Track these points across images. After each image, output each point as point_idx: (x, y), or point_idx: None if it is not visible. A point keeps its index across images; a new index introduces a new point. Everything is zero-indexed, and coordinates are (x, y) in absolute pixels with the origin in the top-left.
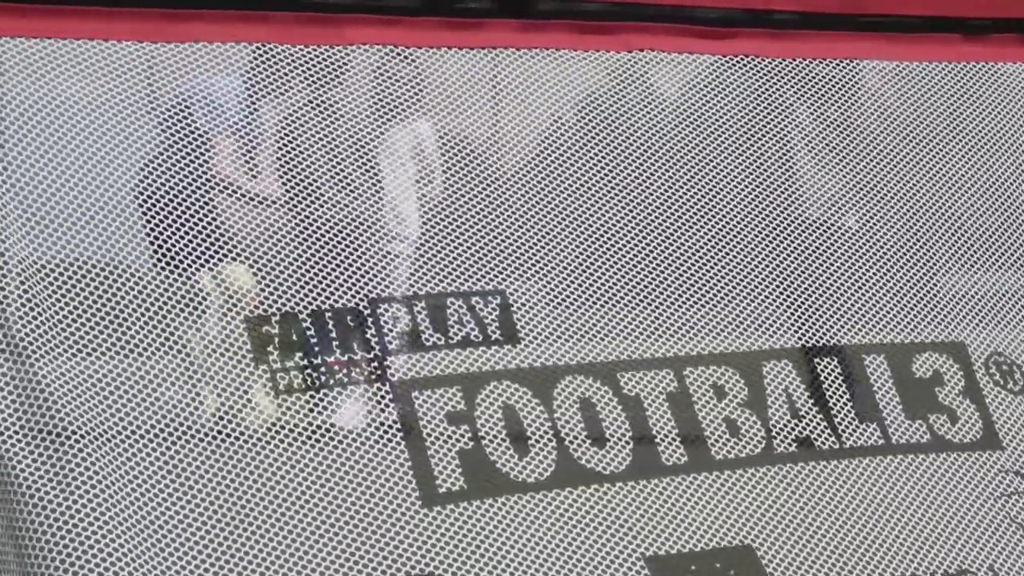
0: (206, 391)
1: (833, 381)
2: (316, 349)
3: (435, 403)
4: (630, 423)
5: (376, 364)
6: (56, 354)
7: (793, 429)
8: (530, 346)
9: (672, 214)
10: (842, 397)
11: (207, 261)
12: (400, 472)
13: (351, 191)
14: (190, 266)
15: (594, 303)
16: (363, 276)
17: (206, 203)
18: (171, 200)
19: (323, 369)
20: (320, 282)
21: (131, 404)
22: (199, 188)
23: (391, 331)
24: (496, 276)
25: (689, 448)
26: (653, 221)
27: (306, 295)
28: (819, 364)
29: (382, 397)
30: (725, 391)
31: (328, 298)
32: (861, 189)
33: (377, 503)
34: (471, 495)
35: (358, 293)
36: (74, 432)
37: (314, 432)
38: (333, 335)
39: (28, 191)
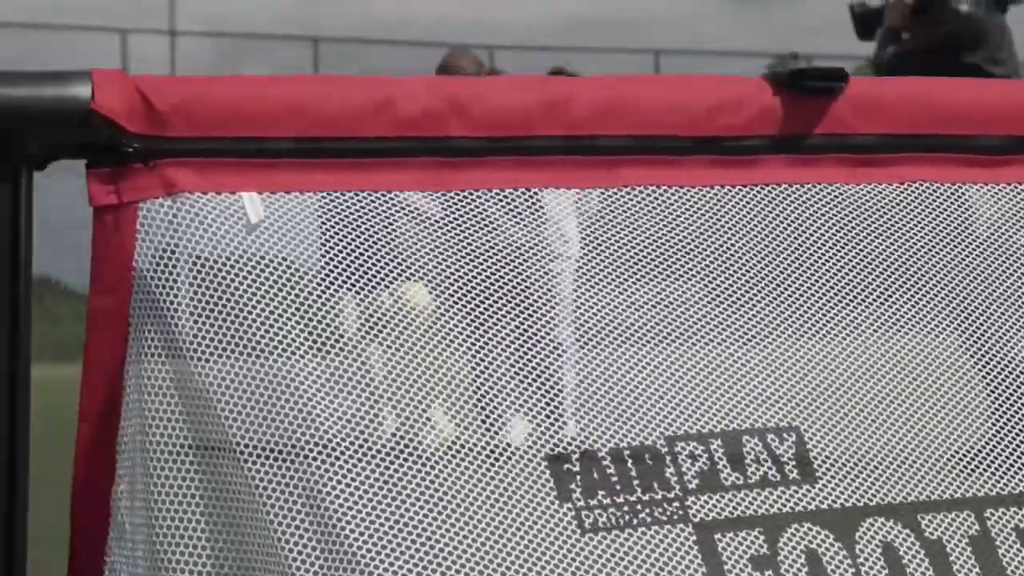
0: (386, 410)
1: None
2: (617, 487)
3: (738, 546)
4: (934, 569)
5: (677, 504)
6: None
7: None
8: (828, 486)
9: (961, 342)
10: None
11: (385, 279)
12: None
13: (516, 212)
14: (367, 284)
15: (888, 439)
16: (532, 302)
17: (386, 223)
18: (354, 219)
19: (626, 508)
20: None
21: (331, 420)
22: (380, 209)
23: (690, 469)
24: (788, 413)
25: None
26: (935, 351)
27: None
28: None
29: (685, 539)
30: None
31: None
32: None
33: None
34: None
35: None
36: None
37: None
38: (633, 473)
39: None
